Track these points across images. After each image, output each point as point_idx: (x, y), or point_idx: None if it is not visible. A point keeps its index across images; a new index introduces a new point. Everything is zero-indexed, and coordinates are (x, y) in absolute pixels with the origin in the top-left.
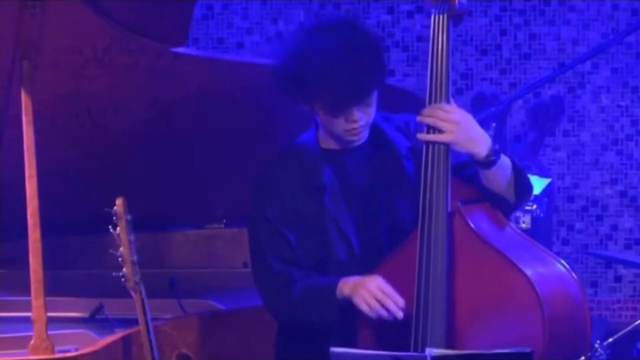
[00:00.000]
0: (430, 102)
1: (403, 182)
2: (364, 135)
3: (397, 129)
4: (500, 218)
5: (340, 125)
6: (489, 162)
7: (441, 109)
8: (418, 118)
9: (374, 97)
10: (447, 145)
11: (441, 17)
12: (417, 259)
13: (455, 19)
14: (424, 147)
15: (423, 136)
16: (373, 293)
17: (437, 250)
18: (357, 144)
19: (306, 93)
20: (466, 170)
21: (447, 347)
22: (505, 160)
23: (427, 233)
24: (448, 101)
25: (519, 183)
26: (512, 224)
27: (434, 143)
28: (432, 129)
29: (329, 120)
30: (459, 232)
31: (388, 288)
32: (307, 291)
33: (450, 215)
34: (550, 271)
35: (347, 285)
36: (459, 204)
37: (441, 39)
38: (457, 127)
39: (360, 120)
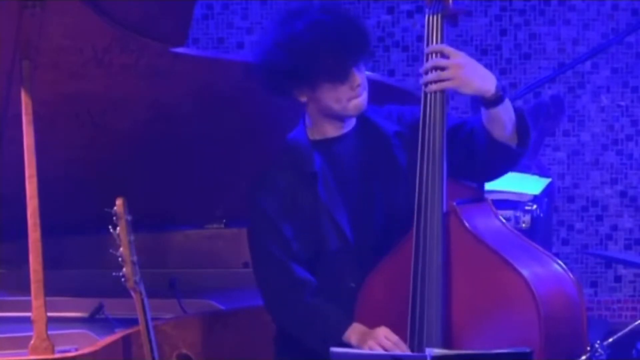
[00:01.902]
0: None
1: (393, 167)
2: (366, 102)
3: (384, 118)
4: (496, 218)
5: (345, 92)
6: (498, 98)
7: (442, 50)
8: (421, 80)
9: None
10: (442, 144)
11: (435, 17)
12: (412, 259)
13: (450, 19)
14: (420, 147)
15: (432, 86)
16: (382, 343)
17: (433, 250)
18: (351, 136)
19: (305, 74)
20: (460, 132)
21: (444, 347)
22: (507, 100)
23: (422, 233)
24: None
25: (520, 125)
26: (509, 224)
27: (442, 91)
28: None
29: (334, 92)
30: (455, 232)
31: (395, 338)
32: (314, 314)
33: (446, 215)
34: (547, 271)
35: (355, 334)
36: (455, 203)
37: (435, 39)
38: (463, 69)
39: (362, 86)
